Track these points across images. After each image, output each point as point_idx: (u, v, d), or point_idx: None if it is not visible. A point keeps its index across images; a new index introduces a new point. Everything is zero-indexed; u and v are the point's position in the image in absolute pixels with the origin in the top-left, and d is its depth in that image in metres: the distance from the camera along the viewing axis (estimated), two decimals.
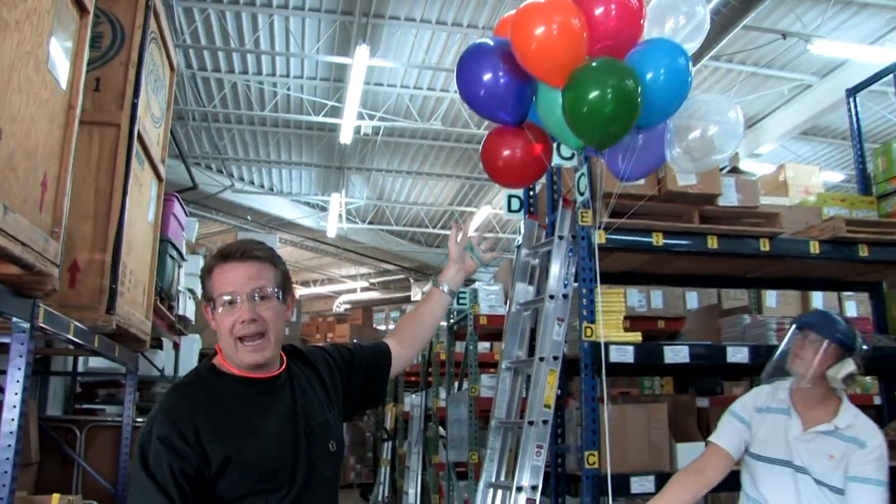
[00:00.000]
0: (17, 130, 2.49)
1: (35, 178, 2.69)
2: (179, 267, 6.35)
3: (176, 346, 7.47)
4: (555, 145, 3.57)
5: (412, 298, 22.73)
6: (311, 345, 2.23)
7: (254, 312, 1.80)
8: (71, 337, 3.40)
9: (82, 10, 3.06)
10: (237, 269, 1.83)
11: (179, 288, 6.55)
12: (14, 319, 2.85)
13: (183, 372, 7.62)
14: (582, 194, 3.46)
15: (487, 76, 2.91)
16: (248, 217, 16.66)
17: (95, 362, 7.26)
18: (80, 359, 6.64)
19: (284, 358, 1.97)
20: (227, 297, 1.81)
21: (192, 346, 7.96)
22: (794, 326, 2.81)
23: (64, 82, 2.93)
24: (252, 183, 16.56)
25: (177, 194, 5.91)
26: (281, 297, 1.87)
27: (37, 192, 2.72)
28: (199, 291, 7.42)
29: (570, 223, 3.61)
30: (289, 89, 12.15)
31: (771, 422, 2.79)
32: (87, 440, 5.31)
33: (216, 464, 1.71)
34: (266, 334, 1.82)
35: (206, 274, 1.88)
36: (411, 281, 23.72)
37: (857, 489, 2.56)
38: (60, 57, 2.86)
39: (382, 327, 20.02)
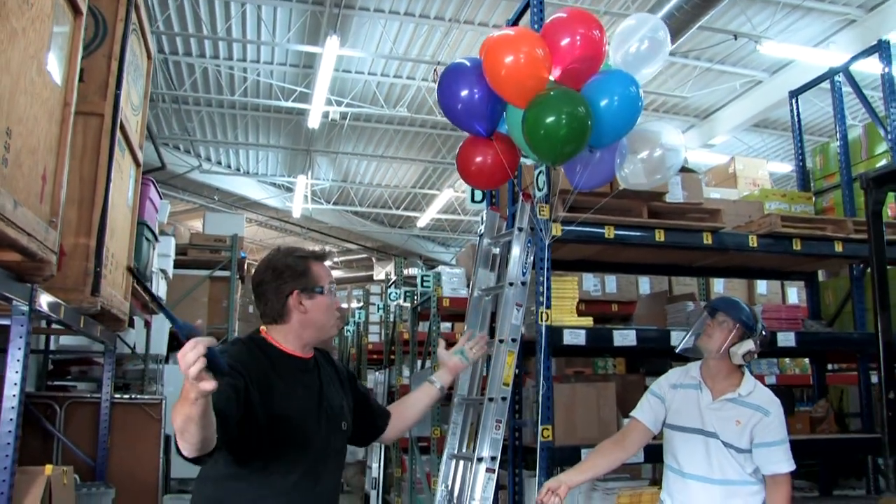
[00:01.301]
0: (23, 130, 2.69)
1: (37, 173, 2.90)
2: (153, 248, 6.50)
3: (147, 325, 7.62)
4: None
5: (374, 278, 22.92)
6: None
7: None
8: (61, 318, 3.61)
9: (76, 11, 3.24)
10: (327, 267, 2.38)
11: (153, 268, 6.70)
12: (14, 303, 3.06)
13: (155, 349, 7.82)
14: (541, 190, 3.76)
15: (464, 92, 3.29)
16: (215, 197, 16.71)
17: (67, 340, 7.40)
18: (52, 337, 6.77)
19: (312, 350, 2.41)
20: (334, 286, 2.36)
21: (163, 325, 8.09)
22: (705, 309, 3.17)
23: (60, 81, 3.11)
24: (219, 163, 16.63)
25: (152, 179, 6.06)
26: None
27: (38, 186, 2.92)
28: (170, 272, 7.61)
29: (529, 216, 3.89)
30: (259, 75, 12.26)
31: (683, 396, 3.13)
32: (67, 416, 5.49)
33: (265, 402, 2.09)
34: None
35: (305, 267, 2.30)
36: (373, 260, 23.94)
37: (768, 451, 2.94)
38: (57, 57, 3.04)
39: (345, 305, 20.19)
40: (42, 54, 2.85)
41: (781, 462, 2.94)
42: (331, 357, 2.53)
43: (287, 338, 2.31)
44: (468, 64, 3.32)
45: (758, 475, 2.99)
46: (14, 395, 3.10)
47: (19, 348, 3.15)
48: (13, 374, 3.12)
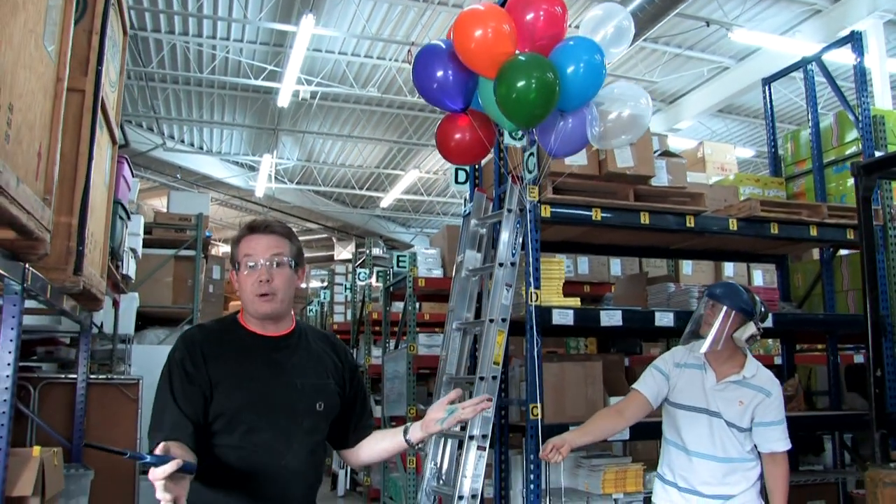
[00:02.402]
0: (22, 105, 2.65)
1: (33, 149, 2.86)
2: (126, 227, 6.43)
3: (115, 304, 7.52)
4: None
5: (335, 258, 22.86)
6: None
7: (269, 274, 2.16)
8: (48, 298, 3.57)
9: None
10: (260, 239, 2.21)
11: (125, 248, 6.62)
12: (7, 281, 3.03)
13: (122, 329, 7.72)
14: (530, 172, 3.81)
15: (439, 72, 3.43)
16: (178, 175, 16.50)
17: (31, 320, 7.28)
18: None
19: (294, 324, 2.31)
20: (249, 262, 2.18)
21: (130, 304, 8.02)
22: (704, 297, 3.26)
23: (54, 55, 3.07)
24: (183, 142, 16.39)
25: (126, 157, 5.98)
26: (293, 266, 2.23)
27: (34, 162, 2.88)
28: (139, 251, 7.53)
29: (518, 198, 3.94)
30: (228, 52, 12.10)
31: (688, 376, 3.24)
32: (41, 396, 5.42)
33: (215, 382, 2.09)
34: (275, 294, 2.18)
35: (234, 243, 2.24)
36: (334, 240, 23.85)
37: (767, 430, 3.09)
38: (52, 31, 3.00)
39: (303, 285, 20.12)
40: (39, 28, 2.81)
41: (780, 440, 3.09)
42: (333, 342, 2.44)
43: (246, 315, 2.27)
44: (442, 45, 3.46)
45: (754, 452, 3.13)
46: (7, 376, 3.08)
47: (12, 328, 3.13)
48: (6, 355, 3.10)
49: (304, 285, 20.12)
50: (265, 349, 2.21)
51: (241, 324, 2.26)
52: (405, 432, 2.32)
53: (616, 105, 3.47)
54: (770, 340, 7.26)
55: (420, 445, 2.43)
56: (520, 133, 3.96)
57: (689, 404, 3.19)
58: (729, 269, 7.11)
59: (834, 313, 5.17)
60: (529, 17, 3.26)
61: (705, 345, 3.18)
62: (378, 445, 2.41)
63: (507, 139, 3.97)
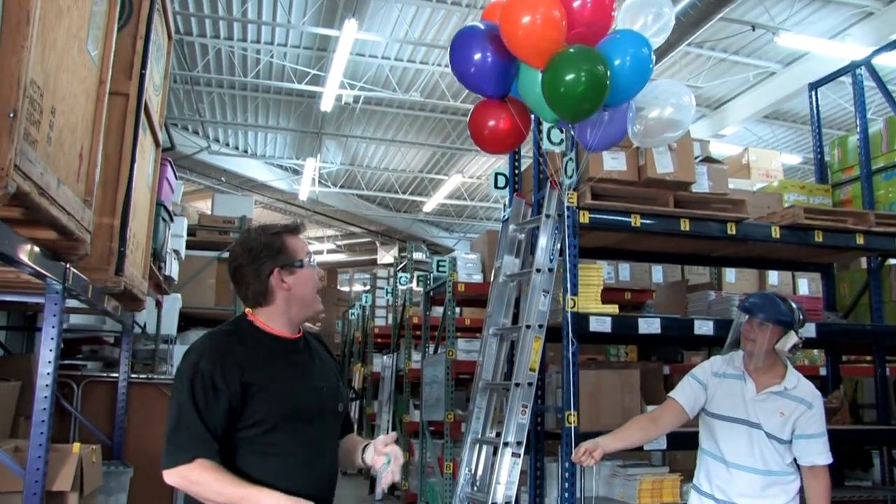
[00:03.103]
0: (65, 108, 2.69)
1: (75, 151, 2.90)
2: (168, 228, 6.52)
3: (158, 305, 7.63)
4: (544, 132, 3.89)
5: (378, 262, 22.95)
6: None
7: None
8: (89, 297, 3.63)
9: None
10: (302, 239, 2.26)
11: (167, 249, 6.71)
12: (49, 281, 3.08)
13: (165, 330, 7.82)
14: (569, 177, 3.78)
15: (477, 55, 3.31)
16: (223, 178, 16.70)
17: (77, 319, 7.42)
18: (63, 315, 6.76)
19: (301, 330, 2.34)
20: (314, 258, 2.25)
21: (173, 305, 8.12)
22: (739, 310, 3.20)
23: (97, 59, 3.12)
24: (228, 145, 16.61)
25: (169, 159, 6.07)
26: None
27: (76, 164, 2.93)
28: (182, 252, 7.62)
29: (557, 203, 3.91)
30: (272, 57, 12.22)
31: (728, 386, 3.18)
32: (84, 394, 5.53)
33: (253, 395, 2.03)
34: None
35: (279, 242, 2.20)
36: (377, 244, 23.94)
37: (808, 443, 3.03)
38: (94, 36, 3.05)
39: (346, 289, 20.26)
40: (83, 32, 2.86)
41: (822, 454, 3.02)
42: (322, 340, 2.46)
43: (274, 319, 2.22)
44: (481, 27, 3.35)
45: (794, 465, 3.07)
46: (48, 374, 3.13)
47: (53, 326, 3.17)
48: (47, 353, 3.15)
49: (346, 289, 20.27)
50: (286, 352, 2.20)
51: (259, 326, 2.21)
52: (364, 451, 2.29)
53: (658, 102, 3.42)
54: (815, 351, 7.11)
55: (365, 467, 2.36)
56: (558, 137, 3.95)
57: (729, 415, 3.13)
58: (774, 277, 6.98)
59: (882, 324, 5.02)
60: (577, 4, 3.15)
61: (746, 357, 3.15)
62: (344, 459, 2.35)
63: (545, 144, 3.95)
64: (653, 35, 3.40)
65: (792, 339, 3.08)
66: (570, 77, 3.02)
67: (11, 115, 2.10)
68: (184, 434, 1.97)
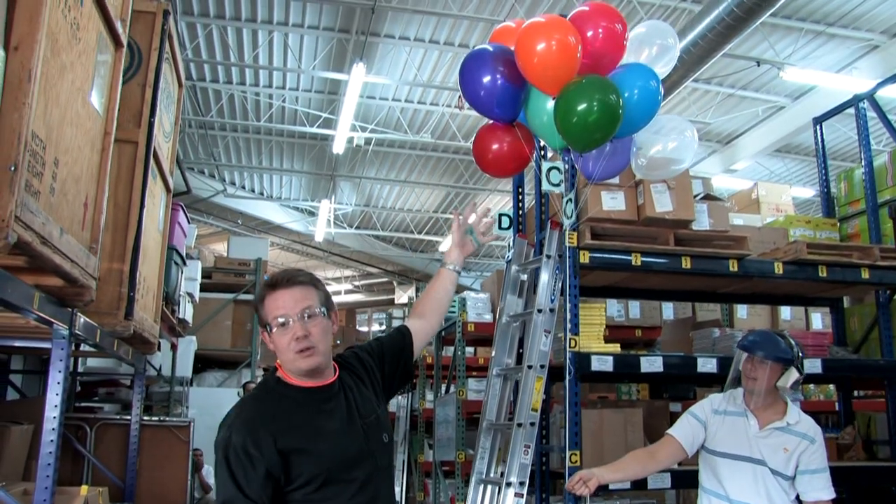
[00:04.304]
0: (68, 160, 2.77)
1: (79, 200, 2.98)
2: (181, 272, 6.59)
3: (173, 347, 7.70)
4: (544, 173, 3.93)
5: (396, 301, 22.95)
6: (347, 350, 2.44)
7: (305, 329, 2.06)
8: (97, 342, 3.68)
9: (117, 44, 3.33)
10: (285, 295, 2.09)
11: (180, 292, 6.78)
12: (55, 326, 3.14)
13: (180, 372, 7.88)
14: (569, 218, 3.81)
15: (487, 78, 3.31)
16: (239, 221, 16.88)
17: (94, 362, 7.50)
18: (79, 359, 6.85)
19: (337, 368, 2.24)
20: (280, 320, 2.07)
21: (188, 347, 8.21)
22: (738, 349, 3.21)
23: (102, 111, 3.20)
24: (243, 188, 16.80)
25: (181, 203, 6.17)
26: (325, 313, 2.13)
27: (80, 213, 3.00)
28: (196, 295, 7.70)
29: (558, 243, 3.94)
30: (284, 101, 12.42)
31: (731, 423, 3.18)
32: (97, 436, 5.56)
33: (294, 459, 1.98)
34: (316, 346, 2.08)
35: (259, 303, 2.14)
36: (395, 284, 23.97)
37: (812, 478, 3.04)
38: (99, 88, 3.13)
39: (365, 329, 20.26)
40: (87, 86, 2.94)
41: (825, 489, 3.04)
42: (348, 360, 2.34)
43: (288, 372, 2.17)
44: (490, 49, 3.36)
45: (797, 502, 3.08)
46: (54, 417, 3.17)
47: (59, 371, 3.22)
48: (53, 397, 3.20)
49: (364, 328, 20.30)
50: (318, 402, 2.12)
51: (288, 382, 2.15)
52: (450, 269, 2.67)
53: (661, 135, 3.45)
54: (831, 386, 7.03)
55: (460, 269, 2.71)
56: (558, 178, 3.98)
57: (732, 452, 3.13)
58: (786, 312, 6.93)
59: (892, 359, 4.97)
60: (590, 34, 3.15)
61: (748, 396, 3.16)
62: (438, 300, 2.65)
63: (545, 185, 3.99)
64: (658, 67, 3.45)
65: (793, 375, 3.09)
66: (583, 106, 3.04)
67: (12, 168, 2.17)
68: None
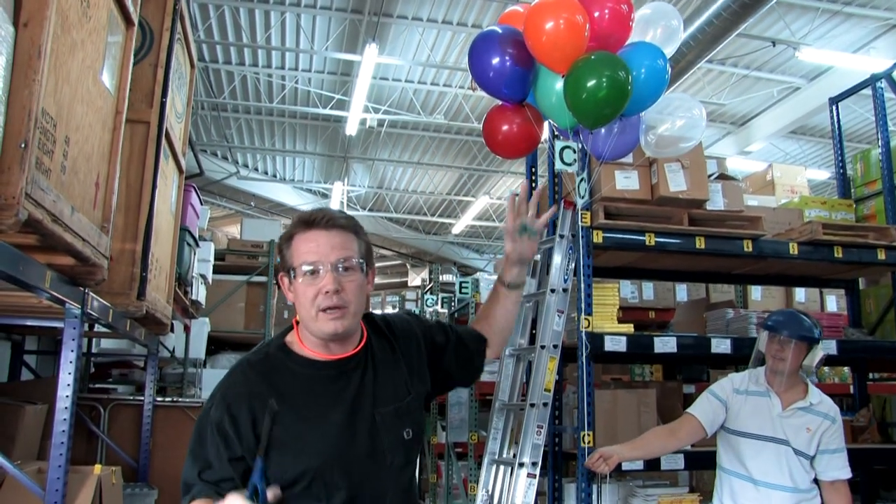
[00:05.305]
0: (79, 138, 2.77)
1: (91, 179, 2.98)
2: (194, 253, 6.60)
3: (186, 329, 7.72)
4: (557, 152, 3.89)
5: (409, 284, 22.99)
6: (398, 313, 2.11)
7: (337, 283, 1.71)
8: (109, 321, 3.69)
9: (128, 22, 3.33)
10: (321, 237, 1.73)
11: (193, 273, 6.80)
12: (68, 306, 3.15)
13: (193, 353, 7.91)
14: (582, 197, 3.78)
15: (496, 59, 3.29)
16: (252, 203, 16.91)
17: (107, 343, 7.53)
18: (93, 340, 6.89)
19: (364, 333, 1.86)
20: (309, 267, 1.72)
21: (201, 329, 8.22)
22: (763, 330, 3.20)
23: (112, 90, 3.19)
24: (256, 170, 16.83)
25: (194, 185, 6.17)
26: (364, 268, 1.79)
27: (91, 192, 3.00)
28: (209, 277, 7.71)
29: (571, 223, 3.91)
30: (297, 82, 12.39)
31: (754, 403, 3.17)
32: (111, 417, 5.61)
33: (272, 453, 1.66)
34: (347, 307, 1.73)
35: (284, 242, 1.78)
36: (408, 266, 24.00)
37: (831, 458, 3.06)
38: (110, 67, 3.12)
39: (378, 311, 20.28)
40: (97, 64, 2.93)
41: (844, 468, 3.06)
42: (391, 329, 1.94)
43: (304, 334, 1.80)
44: (499, 31, 3.35)
45: (814, 482, 3.09)
46: (67, 396, 3.19)
47: (72, 350, 3.24)
48: (66, 376, 3.22)
49: (378, 311, 20.32)
50: (327, 380, 1.77)
51: (294, 350, 1.81)
52: (500, 282, 2.10)
53: (669, 113, 3.43)
54: (846, 369, 6.99)
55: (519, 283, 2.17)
56: (571, 157, 3.95)
57: (756, 432, 3.13)
58: (800, 294, 6.88)
59: None
60: (597, 13, 3.14)
61: (773, 376, 3.16)
62: (502, 317, 2.14)
63: (558, 164, 3.96)
64: (661, 45, 3.42)
65: (818, 354, 3.09)
66: (592, 82, 3.02)
67: (22, 145, 2.17)
68: (186, 488, 1.68)
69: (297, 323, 1.83)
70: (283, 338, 1.85)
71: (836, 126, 5.79)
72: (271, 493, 1.45)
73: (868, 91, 5.68)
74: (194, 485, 1.64)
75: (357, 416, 1.75)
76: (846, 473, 3.04)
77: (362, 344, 1.83)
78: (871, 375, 5.88)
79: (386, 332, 1.93)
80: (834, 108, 5.84)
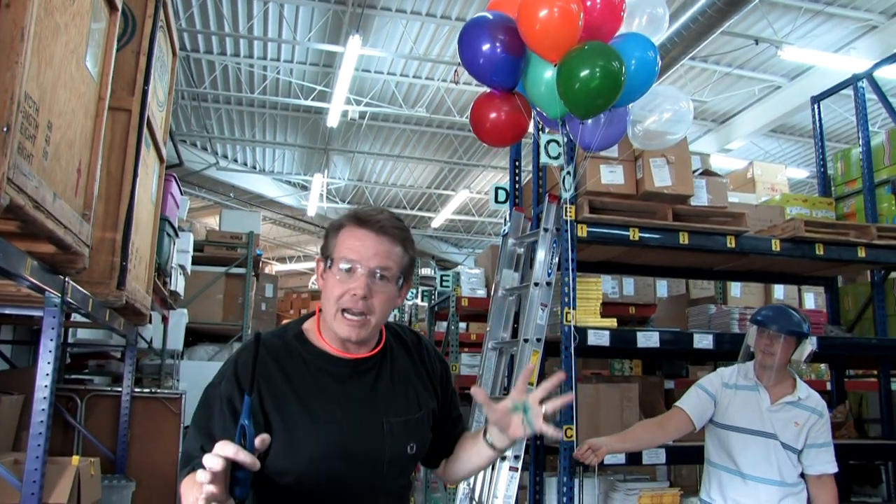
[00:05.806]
0: (62, 123, 2.72)
1: (73, 166, 2.93)
2: (173, 244, 6.54)
3: (165, 320, 7.66)
4: (543, 146, 3.90)
5: None
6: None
7: (367, 290, 1.66)
8: (89, 311, 3.65)
9: (112, 7, 3.28)
10: (369, 238, 1.69)
11: (172, 264, 6.73)
12: (48, 294, 3.10)
13: (171, 345, 7.85)
14: (567, 191, 3.78)
15: (486, 46, 3.29)
16: (231, 194, 16.80)
17: (84, 333, 7.45)
18: (70, 330, 6.81)
19: (384, 339, 1.82)
20: (346, 265, 1.68)
21: (179, 320, 8.17)
22: (752, 324, 3.21)
23: (96, 76, 3.15)
24: (236, 161, 16.69)
25: (174, 175, 6.11)
26: (400, 284, 1.73)
27: (73, 179, 2.95)
28: (188, 268, 7.65)
29: (555, 217, 3.91)
30: (279, 73, 12.30)
31: (743, 397, 3.18)
32: (88, 408, 5.54)
33: (275, 429, 1.63)
34: (368, 317, 1.68)
35: (334, 231, 1.74)
36: None
37: (820, 452, 3.08)
38: (93, 53, 3.08)
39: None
40: (81, 49, 2.89)
41: (830, 462, 3.08)
42: (419, 344, 1.90)
43: (324, 325, 1.75)
44: (491, 17, 3.34)
45: (801, 476, 3.10)
46: (46, 386, 3.15)
47: (51, 339, 3.19)
48: (45, 365, 3.17)
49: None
50: (340, 377, 1.73)
51: (311, 340, 1.76)
52: (485, 436, 1.82)
53: (657, 105, 3.46)
54: (822, 366, 7.06)
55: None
56: (556, 151, 3.95)
57: (745, 426, 3.14)
58: (779, 291, 6.94)
59: (886, 337, 4.99)
60: (589, 3, 3.14)
61: (761, 370, 3.18)
62: (468, 462, 1.91)
63: (543, 157, 3.96)
64: (649, 33, 3.46)
65: (807, 348, 3.12)
66: (585, 72, 3.03)
67: (5, 129, 2.13)
68: (188, 459, 1.63)
69: (320, 311, 1.78)
70: (302, 324, 1.81)
71: (818, 125, 5.84)
72: (259, 439, 1.37)
73: (848, 91, 5.74)
74: (196, 457, 1.56)
75: (363, 420, 1.71)
76: (833, 468, 3.07)
77: (380, 347, 1.80)
78: (847, 372, 5.93)
79: (410, 345, 1.89)
80: (815, 107, 5.89)
